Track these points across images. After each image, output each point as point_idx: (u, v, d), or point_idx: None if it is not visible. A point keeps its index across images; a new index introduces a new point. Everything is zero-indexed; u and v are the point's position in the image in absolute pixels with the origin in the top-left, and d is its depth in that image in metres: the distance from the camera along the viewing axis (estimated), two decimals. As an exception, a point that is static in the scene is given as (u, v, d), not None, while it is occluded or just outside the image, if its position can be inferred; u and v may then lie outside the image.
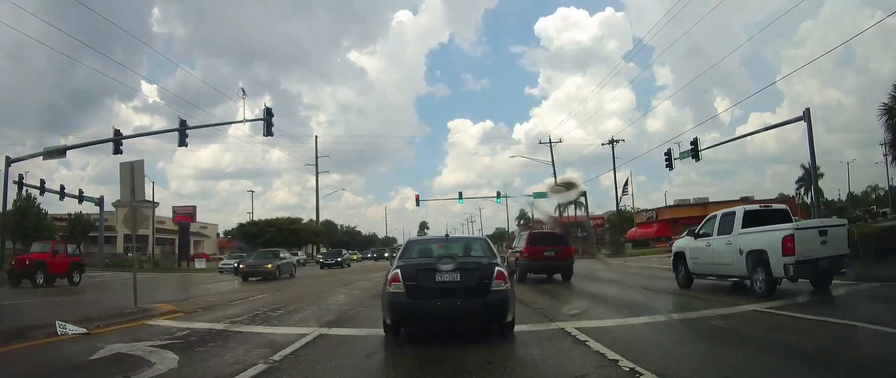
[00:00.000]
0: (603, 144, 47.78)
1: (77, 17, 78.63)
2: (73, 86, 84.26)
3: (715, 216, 12.89)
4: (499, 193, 42.20)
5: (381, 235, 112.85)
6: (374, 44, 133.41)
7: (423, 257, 7.92)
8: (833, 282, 11.14)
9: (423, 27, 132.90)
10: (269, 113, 24.67)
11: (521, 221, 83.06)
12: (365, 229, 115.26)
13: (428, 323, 7.06)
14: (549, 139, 49.75)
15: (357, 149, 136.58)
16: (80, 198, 37.93)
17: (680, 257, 13.95)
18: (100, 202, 38.40)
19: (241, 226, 67.63)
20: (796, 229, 10.14)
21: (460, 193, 48.25)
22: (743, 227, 11.45)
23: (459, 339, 6.82)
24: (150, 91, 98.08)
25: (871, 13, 77.15)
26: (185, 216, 58.82)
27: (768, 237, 10.48)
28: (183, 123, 25.04)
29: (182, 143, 24.66)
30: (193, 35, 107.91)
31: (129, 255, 46.58)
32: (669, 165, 29.25)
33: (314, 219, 67.34)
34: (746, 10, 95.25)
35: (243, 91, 62.00)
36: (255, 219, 67.06)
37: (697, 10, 77.82)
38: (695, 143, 27.78)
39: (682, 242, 14.58)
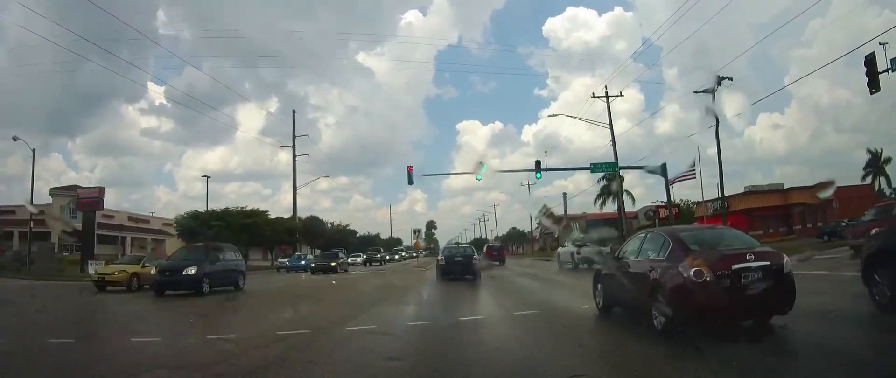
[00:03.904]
0: (696, 92, 33.96)
1: (83, 18, 77.38)
2: (78, 87, 79.90)
3: (573, 239, 30.11)
4: (538, 163, 35.24)
5: (385, 236, 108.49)
6: (382, 45, 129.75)
7: (450, 252, 24.66)
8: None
9: (432, 28, 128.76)
10: None
11: (541, 219, 79.93)
12: (374, 231, 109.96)
13: (451, 274, 23.27)
14: (606, 91, 38.74)
15: (365, 151, 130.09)
16: None
17: (557, 255, 31.25)
18: None
19: (178, 219, 49.49)
20: (581, 246, 27.02)
21: (480, 163, 41.01)
22: (573, 245, 28.43)
23: (462, 280, 23.15)
24: (156, 92, 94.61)
25: (879, 11, 77.10)
26: (88, 200, 42.86)
27: (575, 248, 27.33)
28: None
29: None
30: (199, 36, 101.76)
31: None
32: (874, 84, 21.73)
33: (293, 213, 53.00)
34: (753, 10, 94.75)
35: None
36: (199, 210, 49.76)
37: (705, 10, 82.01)
38: None
39: (561, 249, 31.78)
